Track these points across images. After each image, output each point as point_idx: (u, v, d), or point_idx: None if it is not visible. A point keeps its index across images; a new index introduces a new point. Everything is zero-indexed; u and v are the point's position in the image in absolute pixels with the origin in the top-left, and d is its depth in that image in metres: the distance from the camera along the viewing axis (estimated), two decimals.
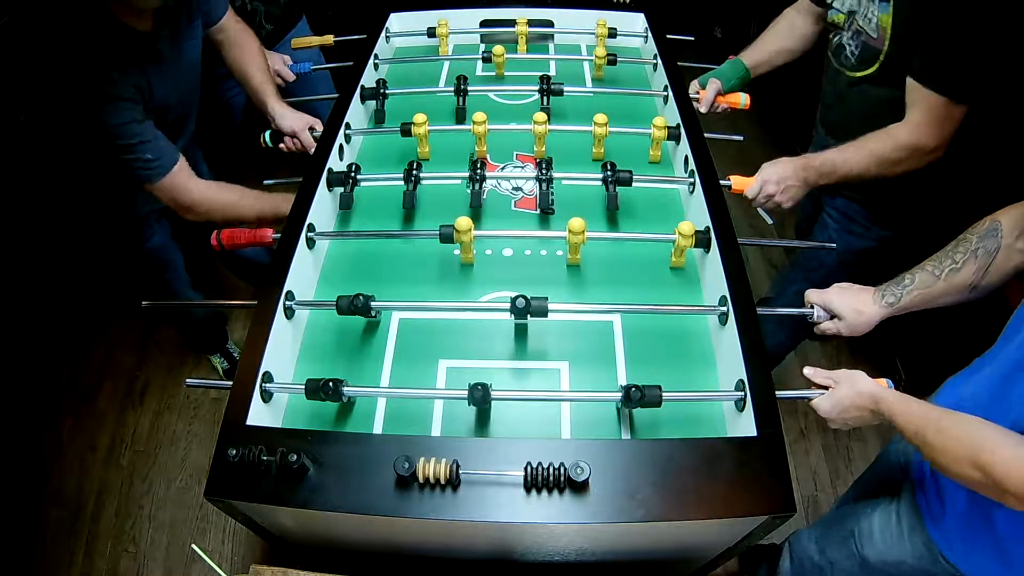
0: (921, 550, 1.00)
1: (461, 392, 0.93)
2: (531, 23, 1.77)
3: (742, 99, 1.53)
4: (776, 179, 1.27)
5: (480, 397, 0.92)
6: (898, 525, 1.05)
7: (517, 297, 1.02)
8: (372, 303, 1.05)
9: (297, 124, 1.53)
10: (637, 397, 0.92)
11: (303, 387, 0.97)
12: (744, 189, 1.30)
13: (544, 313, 1.03)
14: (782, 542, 1.53)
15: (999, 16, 1.07)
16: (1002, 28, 1.08)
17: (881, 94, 1.27)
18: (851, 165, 1.25)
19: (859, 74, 1.31)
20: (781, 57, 1.55)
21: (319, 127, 1.52)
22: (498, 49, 1.59)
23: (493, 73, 1.68)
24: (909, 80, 1.18)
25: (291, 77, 1.75)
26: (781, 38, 1.54)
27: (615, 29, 1.69)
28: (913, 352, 1.21)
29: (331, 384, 0.94)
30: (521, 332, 1.11)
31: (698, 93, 1.53)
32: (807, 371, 0.99)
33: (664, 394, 0.95)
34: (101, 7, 1.20)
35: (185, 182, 1.35)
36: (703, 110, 1.52)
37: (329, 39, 1.80)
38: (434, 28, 1.70)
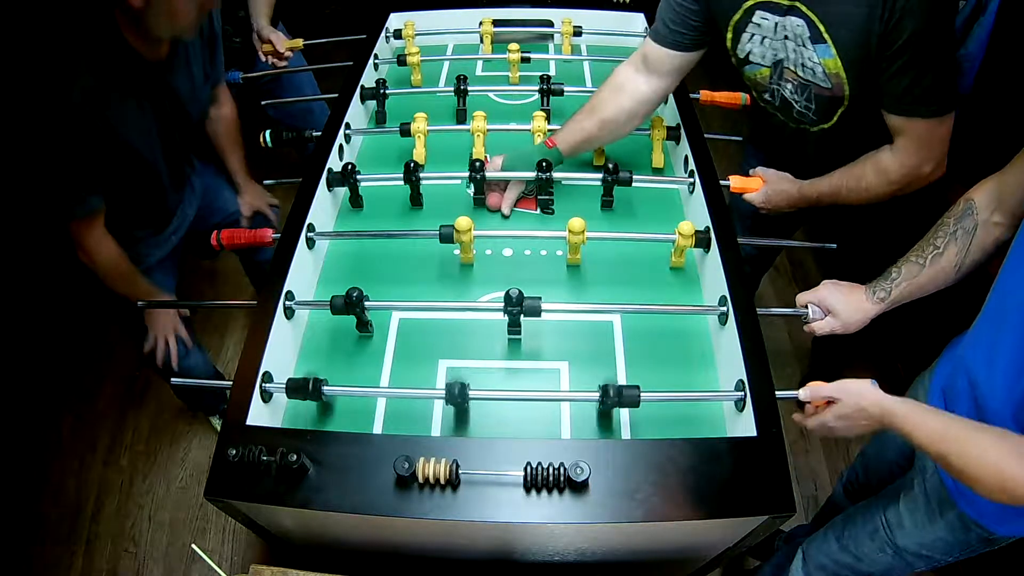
0: (955, 524, 1.01)
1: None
2: (531, 23, 1.77)
3: (741, 99, 1.50)
4: (767, 203, 1.30)
5: (458, 396, 0.92)
6: (927, 508, 1.05)
7: (511, 289, 1.02)
8: (367, 302, 1.05)
9: (256, 201, 1.73)
10: (614, 398, 0.92)
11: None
12: (743, 191, 1.30)
13: (537, 313, 1.03)
14: (783, 546, 1.53)
15: (949, 21, 1.02)
16: (950, 29, 1.04)
17: (850, 138, 1.19)
18: (844, 197, 1.20)
19: (824, 126, 1.20)
20: (607, 134, 1.29)
21: (270, 212, 1.75)
22: (512, 47, 1.58)
23: (495, 73, 1.68)
24: (888, 114, 1.08)
25: None
26: (605, 109, 1.26)
27: (580, 27, 1.71)
28: (912, 349, 1.21)
29: (311, 383, 0.95)
30: (517, 338, 1.11)
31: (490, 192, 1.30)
32: (802, 395, 0.95)
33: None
34: (109, 25, 1.14)
35: (100, 231, 1.31)
36: (504, 209, 1.29)
37: (299, 43, 1.81)
38: (400, 30, 1.71)
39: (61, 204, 1.24)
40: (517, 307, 1.02)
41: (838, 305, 1.05)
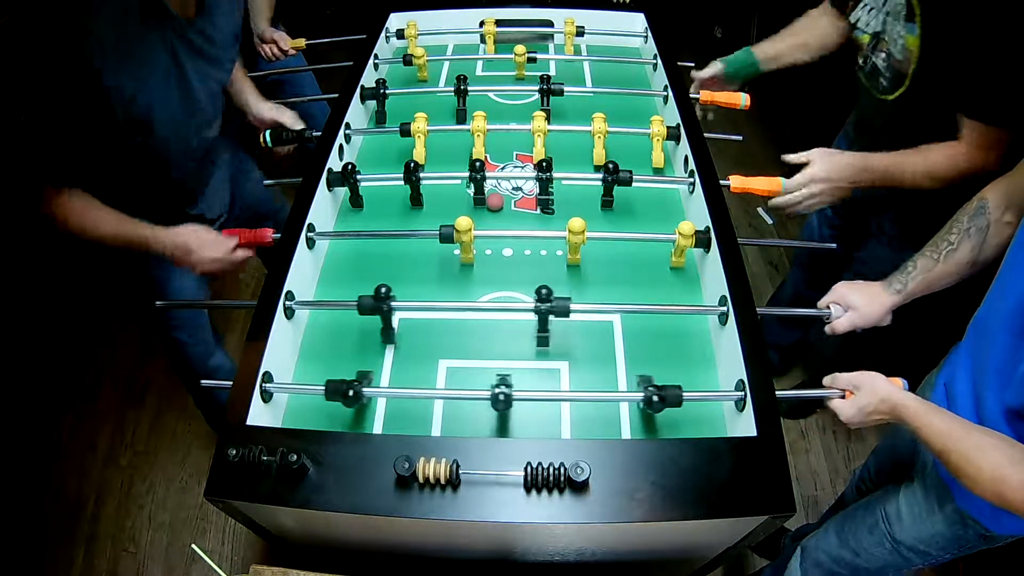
0: (953, 519, 1.02)
1: (464, 392, 0.94)
2: (531, 23, 1.77)
3: (741, 99, 1.49)
4: (825, 177, 1.20)
5: (504, 401, 0.91)
6: (927, 502, 1.06)
7: (542, 287, 1.02)
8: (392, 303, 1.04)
9: (275, 113, 1.51)
10: (658, 402, 0.91)
11: (304, 387, 0.97)
12: (744, 191, 1.27)
13: (566, 313, 1.02)
14: (790, 545, 1.52)
15: None
16: None
17: (913, 116, 1.24)
18: (909, 177, 1.20)
19: (890, 97, 1.26)
20: (797, 52, 1.48)
21: (293, 122, 1.52)
22: (519, 49, 1.59)
23: (495, 73, 1.68)
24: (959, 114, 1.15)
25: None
26: (800, 34, 1.49)
27: (583, 27, 1.70)
28: (925, 357, 1.21)
29: (351, 388, 0.93)
30: (545, 348, 1.10)
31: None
32: (826, 380, 0.98)
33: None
34: None
35: (73, 198, 1.16)
36: (691, 89, 1.48)
37: (301, 43, 1.80)
38: (403, 30, 1.71)
39: (30, 167, 1.10)
40: (547, 303, 1.01)
41: (856, 300, 1.06)
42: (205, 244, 1.24)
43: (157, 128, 1.16)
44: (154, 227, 1.23)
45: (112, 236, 1.20)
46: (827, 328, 1.09)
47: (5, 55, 1.12)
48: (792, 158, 1.25)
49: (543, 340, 1.08)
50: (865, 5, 1.27)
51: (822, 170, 1.21)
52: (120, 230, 1.21)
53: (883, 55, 1.25)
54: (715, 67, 1.50)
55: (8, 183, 1.32)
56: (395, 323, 1.13)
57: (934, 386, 1.08)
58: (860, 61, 1.33)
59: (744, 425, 0.93)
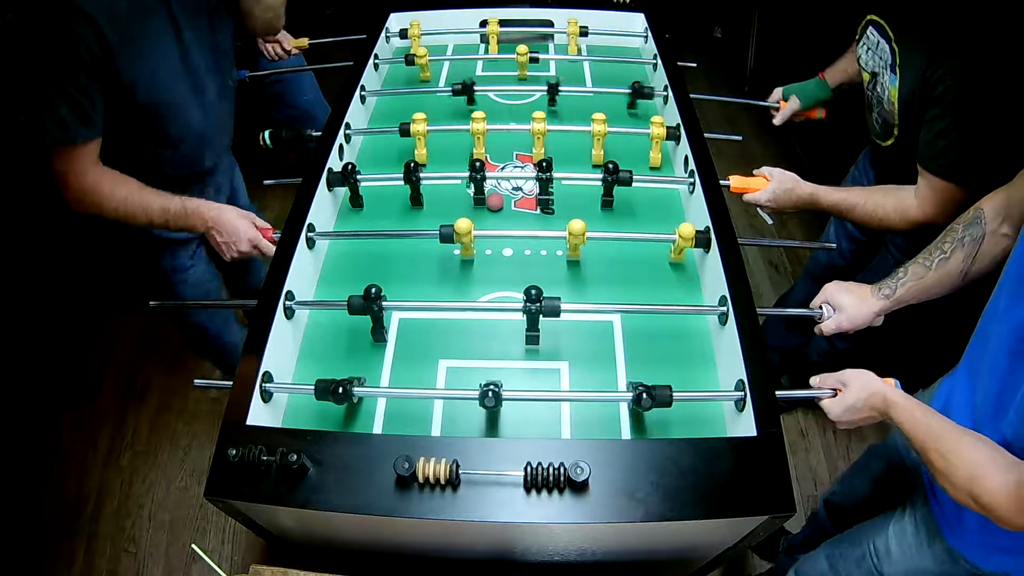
0: (942, 556, 1.01)
1: (463, 392, 0.94)
2: (531, 23, 1.77)
3: (818, 111, 1.55)
4: (773, 203, 1.28)
5: (492, 399, 0.91)
6: (916, 537, 1.04)
7: (531, 288, 1.02)
8: (384, 302, 1.04)
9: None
10: (648, 403, 0.91)
11: (304, 387, 0.97)
12: (744, 191, 1.30)
13: (556, 313, 1.02)
14: (782, 559, 1.52)
15: (1000, 105, 1.07)
16: (1002, 116, 1.08)
17: (901, 167, 1.26)
18: (857, 216, 1.25)
19: (883, 144, 1.31)
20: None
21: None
22: (521, 48, 1.59)
23: (495, 73, 1.68)
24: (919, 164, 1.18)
25: None
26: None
27: (587, 28, 1.70)
28: (921, 363, 1.21)
29: (341, 386, 0.93)
30: (535, 348, 1.10)
31: (779, 103, 1.55)
32: (813, 380, 0.98)
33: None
34: None
35: (89, 163, 1.11)
36: (776, 122, 1.56)
37: (304, 42, 1.80)
38: (405, 30, 1.71)
39: (40, 126, 1.05)
40: (536, 303, 1.01)
41: (844, 301, 1.06)
42: (241, 228, 1.23)
43: (161, 96, 1.14)
44: (191, 199, 1.21)
45: (140, 208, 1.16)
46: (816, 330, 1.10)
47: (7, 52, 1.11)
48: (757, 173, 1.32)
49: (533, 339, 1.08)
50: (863, 44, 1.29)
51: (768, 196, 1.28)
52: (152, 201, 1.16)
53: (876, 99, 1.29)
54: (793, 104, 1.54)
55: (19, 162, 1.29)
56: (395, 322, 1.14)
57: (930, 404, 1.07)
58: (866, 96, 1.34)
59: (744, 425, 0.93)
